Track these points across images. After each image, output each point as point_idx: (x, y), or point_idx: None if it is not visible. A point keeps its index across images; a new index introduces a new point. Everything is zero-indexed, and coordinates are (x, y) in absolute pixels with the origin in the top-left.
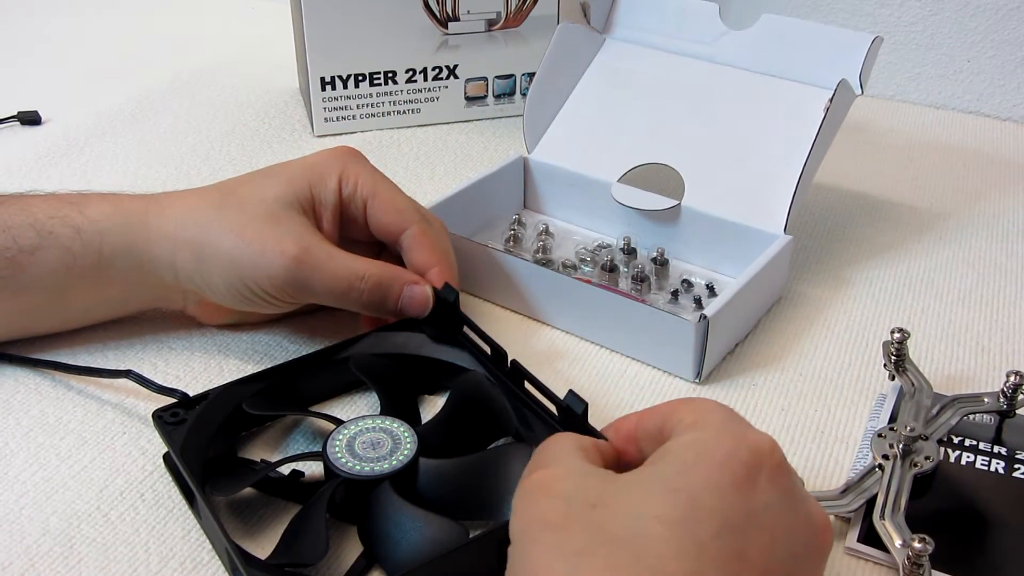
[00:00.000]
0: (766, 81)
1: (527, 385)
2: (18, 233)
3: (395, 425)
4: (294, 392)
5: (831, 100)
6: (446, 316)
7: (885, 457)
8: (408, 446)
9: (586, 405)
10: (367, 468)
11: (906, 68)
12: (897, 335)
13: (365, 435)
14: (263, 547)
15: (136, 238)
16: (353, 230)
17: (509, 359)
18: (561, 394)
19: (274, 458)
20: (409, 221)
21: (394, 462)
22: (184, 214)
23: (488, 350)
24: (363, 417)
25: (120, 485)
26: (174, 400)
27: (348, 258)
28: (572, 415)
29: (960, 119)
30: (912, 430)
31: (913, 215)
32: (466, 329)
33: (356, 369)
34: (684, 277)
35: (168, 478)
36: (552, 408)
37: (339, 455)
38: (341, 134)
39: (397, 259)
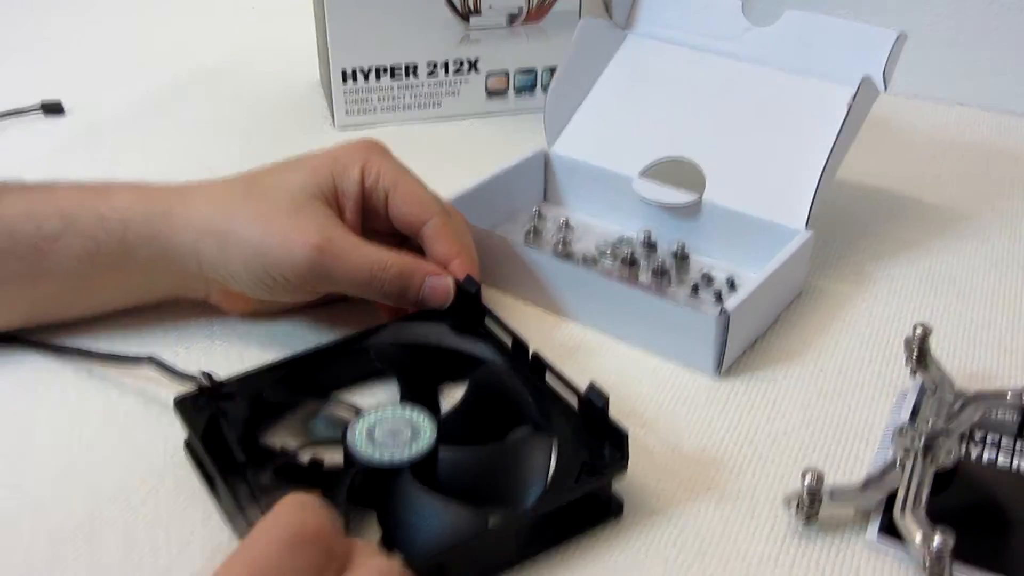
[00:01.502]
0: (789, 77)
1: (548, 378)
2: (42, 220)
3: (415, 414)
4: (315, 380)
5: (854, 97)
6: (468, 308)
7: (906, 452)
8: (428, 435)
9: (607, 398)
10: (387, 456)
11: (930, 65)
12: (920, 331)
13: (385, 423)
14: None
15: (159, 227)
16: (375, 221)
17: (530, 351)
18: (581, 387)
19: (294, 446)
20: (430, 213)
21: (414, 450)
22: (208, 204)
23: (509, 342)
24: (383, 406)
25: (141, 470)
26: (196, 387)
27: (371, 248)
28: (593, 408)
29: (984, 117)
30: (934, 426)
31: (935, 213)
32: (487, 321)
33: (377, 358)
34: (705, 271)
35: (188, 464)
36: (573, 402)
37: (359, 443)
38: (362, 127)
39: (419, 252)
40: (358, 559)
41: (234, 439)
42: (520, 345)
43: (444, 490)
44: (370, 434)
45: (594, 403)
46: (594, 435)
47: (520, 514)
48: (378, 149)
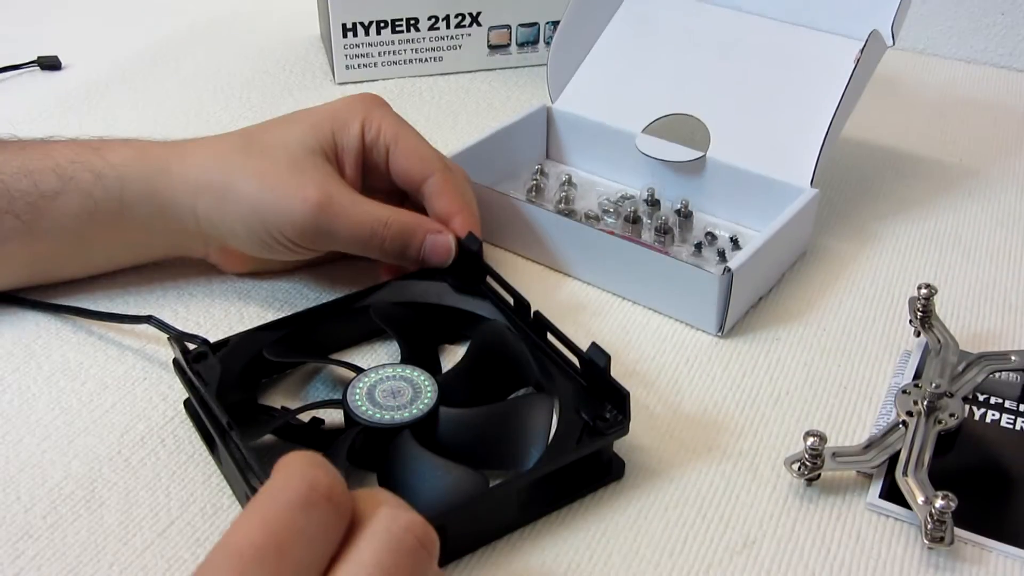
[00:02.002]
0: (795, 31)
1: (550, 337)
2: (39, 178)
3: (416, 374)
4: (314, 340)
5: (862, 51)
6: (469, 266)
7: (909, 414)
8: (428, 395)
9: (608, 358)
10: (387, 416)
11: (938, 21)
12: (924, 291)
13: (385, 383)
14: None
15: (157, 184)
16: (375, 178)
17: (532, 310)
18: (583, 346)
19: (294, 405)
20: (432, 169)
21: (414, 411)
22: (206, 160)
23: (511, 301)
24: (384, 366)
25: (141, 430)
26: (195, 346)
27: (371, 205)
28: (594, 368)
29: (992, 74)
30: (937, 387)
31: (942, 170)
32: (489, 279)
33: (377, 317)
34: (708, 229)
35: (189, 424)
36: (574, 360)
37: (359, 403)
38: (362, 82)
39: (419, 210)
40: (371, 515)
41: (234, 399)
42: (522, 304)
43: (445, 451)
44: (370, 394)
45: (596, 363)
46: (595, 395)
47: (521, 475)
48: (378, 103)
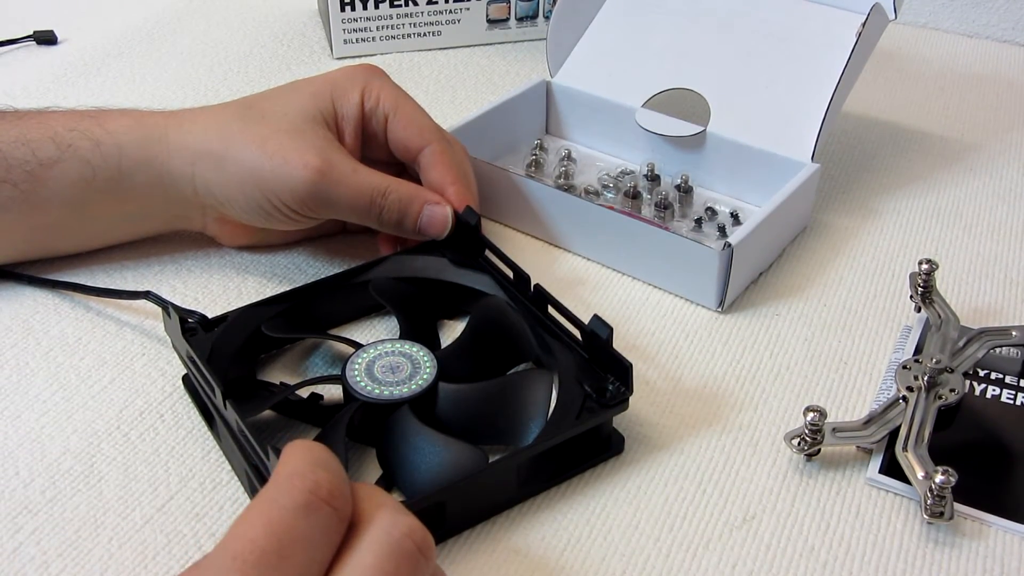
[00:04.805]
0: (797, 4)
1: (551, 310)
2: (37, 146)
3: (415, 349)
4: (313, 315)
5: (863, 25)
6: (467, 240)
7: (909, 389)
8: (428, 370)
9: (611, 330)
10: (386, 392)
11: None
12: (925, 266)
13: (384, 359)
14: None
15: (155, 151)
16: (373, 148)
17: (532, 283)
18: (583, 320)
19: (293, 381)
20: (429, 139)
21: (413, 386)
22: (204, 127)
23: (510, 275)
24: (383, 341)
25: (140, 406)
26: (193, 320)
27: (371, 174)
28: (597, 340)
29: (994, 48)
30: (938, 362)
31: (943, 145)
32: (488, 253)
33: (376, 293)
34: (708, 205)
35: (187, 400)
36: (576, 333)
37: (358, 379)
38: (360, 56)
39: (417, 182)
40: (372, 517)
41: (232, 375)
42: (521, 277)
43: (444, 426)
44: (369, 370)
45: (598, 334)
46: (597, 368)
47: (521, 450)
48: (378, 73)
